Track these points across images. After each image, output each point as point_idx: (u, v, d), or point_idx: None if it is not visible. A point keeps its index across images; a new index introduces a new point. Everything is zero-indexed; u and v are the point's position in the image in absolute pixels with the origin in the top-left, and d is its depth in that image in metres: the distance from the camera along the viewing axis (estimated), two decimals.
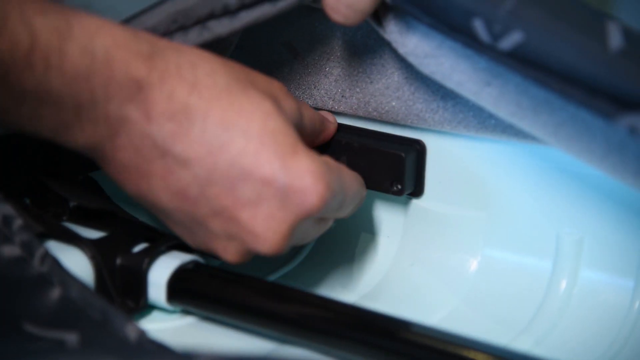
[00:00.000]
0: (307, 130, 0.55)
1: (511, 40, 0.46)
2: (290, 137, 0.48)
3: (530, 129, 0.50)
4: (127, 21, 0.52)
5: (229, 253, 0.50)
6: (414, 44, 0.53)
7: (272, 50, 0.63)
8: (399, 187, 0.59)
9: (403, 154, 0.58)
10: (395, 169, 0.59)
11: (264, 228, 0.48)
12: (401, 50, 0.53)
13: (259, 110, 0.48)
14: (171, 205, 0.48)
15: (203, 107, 0.46)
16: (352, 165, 0.59)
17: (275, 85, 0.51)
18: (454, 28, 0.49)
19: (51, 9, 0.43)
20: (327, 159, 0.51)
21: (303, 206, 0.48)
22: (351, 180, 0.52)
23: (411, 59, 0.53)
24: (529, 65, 0.46)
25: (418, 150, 0.60)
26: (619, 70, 0.44)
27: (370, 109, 0.60)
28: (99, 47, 0.44)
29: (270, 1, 0.53)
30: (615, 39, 0.44)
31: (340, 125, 0.62)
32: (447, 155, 0.60)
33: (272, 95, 0.50)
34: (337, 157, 0.60)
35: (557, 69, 0.45)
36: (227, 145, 0.46)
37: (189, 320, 0.54)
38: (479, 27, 0.47)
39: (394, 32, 0.53)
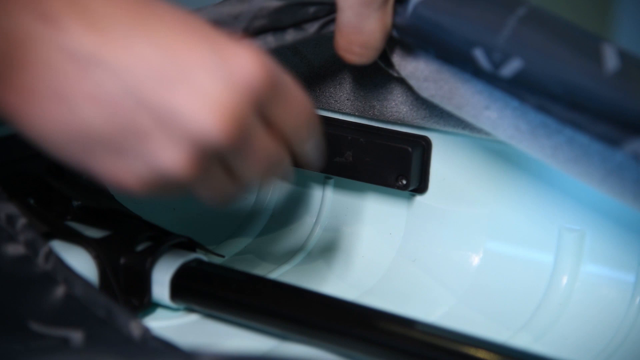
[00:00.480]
0: None
1: (511, 67, 0.47)
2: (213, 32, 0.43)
3: (529, 151, 0.50)
4: None
5: (167, 158, 0.42)
6: (414, 67, 0.54)
7: (278, 54, 0.63)
8: (405, 182, 0.59)
9: (410, 148, 0.59)
10: (401, 163, 0.59)
11: (197, 105, 0.41)
12: (403, 72, 0.54)
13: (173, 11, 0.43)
14: (94, 118, 0.42)
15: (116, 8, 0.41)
16: (358, 161, 0.60)
17: None
18: (457, 57, 0.50)
19: None
20: None
21: (237, 75, 0.42)
22: (300, 95, 0.46)
23: (412, 82, 0.54)
24: (530, 91, 0.47)
25: (424, 146, 0.60)
26: (617, 92, 0.45)
27: (376, 112, 0.61)
28: None
29: (273, 34, 0.53)
30: (611, 60, 0.45)
31: (346, 122, 0.62)
32: (450, 152, 0.60)
33: None
34: (342, 152, 0.60)
35: (557, 92, 0.46)
36: (144, 29, 0.41)
37: (192, 318, 0.55)
38: (479, 56, 0.48)
39: (396, 56, 0.54)
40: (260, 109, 0.44)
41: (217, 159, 0.44)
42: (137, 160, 0.42)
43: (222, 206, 0.47)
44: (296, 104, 0.46)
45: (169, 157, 0.42)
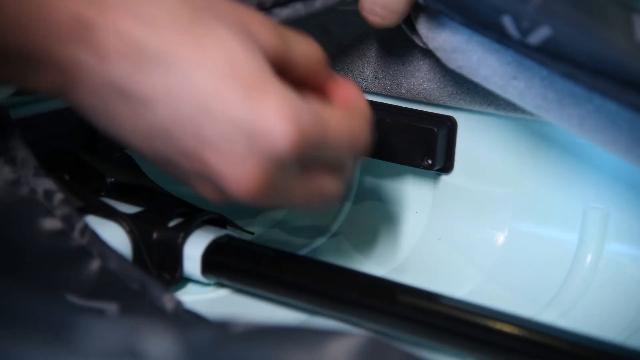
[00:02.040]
0: (298, 64, 0.48)
1: (539, 35, 0.47)
2: (258, 72, 0.43)
3: (556, 121, 0.51)
4: None
5: (206, 192, 0.47)
6: (443, 39, 0.54)
7: (306, 32, 0.64)
8: (430, 161, 0.60)
9: (435, 129, 0.60)
10: (427, 143, 0.60)
11: (233, 171, 0.44)
12: (431, 45, 0.55)
13: (223, 44, 0.43)
14: (141, 145, 0.45)
15: (159, 44, 0.42)
16: (384, 141, 0.61)
17: (246, 14, 0.46)
18: (483, 25, 0.50)
19: None
20: (311, 99, 0.46)
21: (271, 149, 0.43)
22: (338, 120, 0.46)
23: (439, 54, 0.55)
24: (557, 59, 0.47)
25: (449, 126, 0.61)
26: None
27: (403, 90, 0.61)
28: None
29: (303, 1, 0.54)
30: None
31: (372, 102, 0.63)
32: (476, 132, 0.61)
33: (243, 25, 0.45)
34: None
35: (585, 61, 0.46)
36: (189, 85, 0.43)
37: (222, 293, 0.56)
38: (508, 23, 0.48)
39: (424, 29, 0.55)
40: (296, 164, 0.45)
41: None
42: (208, 179, 0.45)
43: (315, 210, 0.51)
44: (339, 144, 0.47)
45: (208, 193, 0.46)
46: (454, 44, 0.53)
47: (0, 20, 0.40)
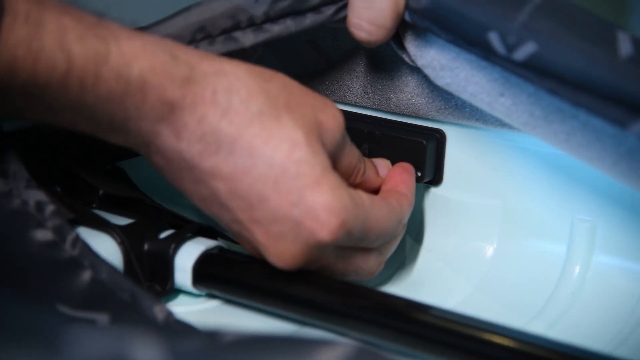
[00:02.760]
0: (343, 165, 0.54)
1: (525, 51, 0.48)
2: (316, 168, 0.48)
3: (542, 137, 0.51)
4: (148, 29, 0.54)
5: (247, 248, 0.53)
6: (431, 56, 0.54)
7: (296, 47, 0.65)
8: (419, 174, 0.60)
9: (424, 141, 0.60)
10: (416, 156, 0.60)
11: (275, 246, 0.49)
12: (419, 62, 0.55)
13: (288, 139, 0.48)
14: (201, 205, 0.50)
15: (232, 132, 0.47)
16: (374, 153, 0.61)
17: (320, 109, 0.51)
18: (470, 42, 0.51)
19: (91, 34, 0.44)
20: (358, 192, 0.51)
21: (312, 238, 0.49)
22: (381, 216, 0.52)
23: (428, 72, 0.55)
24: (542, 75, 0.48)
25: (438, 138, 0.61)
26: (629, 77, 0.45)
27: (392, 105, 0.62)
28: (135, 72, 0.45)
29: (293, 18, 0.54)
30: (625, 46, 0.46)
31: (362, 116, 0.63)
32: (465, 144, 0.61)
33: (313, 121, 0.50)
34: (358, 145, 0.62)
35: (569, 77, 0.47)
36: (250, 170, 0.48)
37: (213, 304, 0.56)
38: (494, 39, 0.49)
39: (412, 46, 0.55)
40: (337, 250, 0.51)
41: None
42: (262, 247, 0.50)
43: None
44: (377, 236, 0.52)
45: (256, 253, 0.52)
46: (441, 62, 0.54)
47: (99, 92, 0.45)
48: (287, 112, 0.49)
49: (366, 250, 0.53)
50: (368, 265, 0.53)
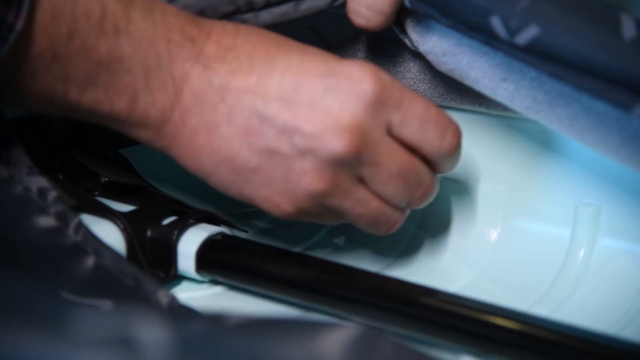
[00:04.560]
0: None
1: (527, 35, 0.47)
2: (331, 57, 0.50)
3: (546, 122, 0.51)
4: None
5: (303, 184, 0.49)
6: (433, 42, 0.54)
7: (298, 33, 0.65)
8: None
9: None
10: None
11: (323, 126, 0.48)
12: (421, 48, 0.55)
13: (298, 46, 0.50)
14: (242, 148, 0.49)
15: (248, 47, 0.49)
16: None
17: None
18: (471, 27, 0.51)
19: None
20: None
21: (357, 95, 0.48)
22: (408, 90, 0.51)
23: (430, 58, 0.55)
24: (545, 59, 0.48)
25: None
26: (633, 59, 0.45)
27: None
28: (157, 12, 0.48)
29: (293, 3, 0.54)
30: (628, 29, 0.46)
31: None
32: (468, 129, 0.61)
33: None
34: None
35: (572, 60, 0.46)
36: (273, 69, 0.49)
37: (217, 290, 0.56)
38: (496, 24, 0.49)
39: (413, 33, 0.55)
40: (383, 119, 0.49)
41: (353, 175, 0.49)
42: (283, 184, 0.49)
43: (385, 231, 0.52)
44: (416, 108, 0.50)
45: (308, 177, 0.49)
46: (443, 48, 0.54)
47: (132, 33, 0.47)
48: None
49: (414, 146, 0.50)
50: (386, 212, 0.51)
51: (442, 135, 0.51)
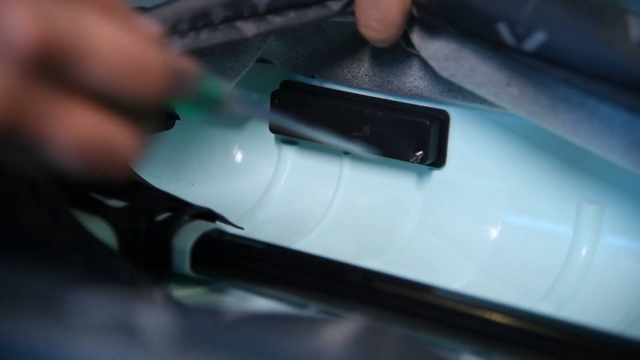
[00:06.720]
0: None
1: (535, 40, 0.47)
2: None
3: (550, 127, 0.50)
4: (152, 10, 0.53)
5: None
6: (436, 47, 0.54)
7: (298, 29, 0.64)
8: (422, 155, 0.59)
9: (428, 122, 0.59)
10: (419, 137, 0.59)
11: None
12: (423, 53, 0.55)
13: None
14: None
15: None
16: (376, 135, 0.60)
17: None
18: (478, 34, 0.50)
19: None
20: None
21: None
22: (112, 34, 0.31)
23: (432, 63, 0.54)
24: (553, 64, 0.47)
25: (442, 120, 0.60)
26: None
27: (395, 87, 0.61)
28: None
29: (297, 10, 0.54)
30: (636, 31, 0.45)
31: (364, 97, 0.62)
32: (468, 126, 0.60)
33: None
34: (360, 127, 0.61)
35: (581, 65, 0.46)
36: None
37: (211, 287, 0.55)
38: (503, 30, 0.48)
39: (416, 38, 0.54)
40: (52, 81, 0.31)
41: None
42: None
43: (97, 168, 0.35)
44: (110, 65, 0.31)
45: None
46: (446, 52, 0.53)
47: None
48: None
49: (107, 105, 0.32)
50: (112, 131, 0.32)
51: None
